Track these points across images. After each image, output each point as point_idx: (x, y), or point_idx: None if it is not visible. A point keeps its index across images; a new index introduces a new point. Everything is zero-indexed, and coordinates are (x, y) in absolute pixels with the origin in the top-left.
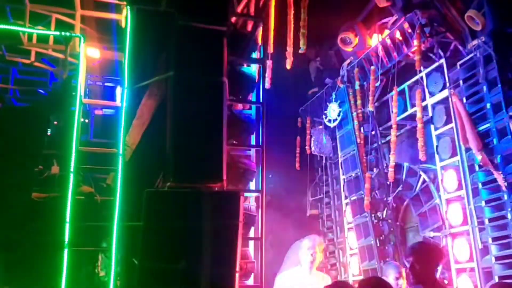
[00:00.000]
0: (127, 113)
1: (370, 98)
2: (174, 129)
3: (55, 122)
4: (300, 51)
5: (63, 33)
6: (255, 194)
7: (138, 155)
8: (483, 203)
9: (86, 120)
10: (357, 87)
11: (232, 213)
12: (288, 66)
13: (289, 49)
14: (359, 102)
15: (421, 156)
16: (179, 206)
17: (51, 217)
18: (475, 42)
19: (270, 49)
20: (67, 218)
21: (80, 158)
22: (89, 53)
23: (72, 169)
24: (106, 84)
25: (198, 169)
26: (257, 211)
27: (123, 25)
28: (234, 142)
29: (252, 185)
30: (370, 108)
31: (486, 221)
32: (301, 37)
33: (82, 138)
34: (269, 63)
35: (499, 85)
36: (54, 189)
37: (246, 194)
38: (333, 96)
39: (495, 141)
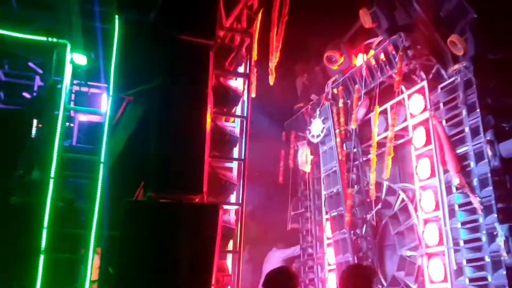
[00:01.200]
0: (111, 121)
1: (353, 116)
2: (157, 139)
3: (40, 125)
4: (270, 65)
5: (50, 39)
6: (235, 207)
7: (120, 164)
8: (459, 225)
9: (72, 125)
10: (341, 104)
11: (210, 225)
12: (271, 82)
13: (271, 64)
14: (342, 119)
15: (385, 174)
16: (157, 216)
17: (29, 222)
18: (456, 66)
19: (253, 59)
20: (45, 224)
21: (62, 164)
22: (75, 59)
23: (52, 175)
24: (92, 90)
25: (179, 181)
26: (237, 224)
27: (111, 33)
28: (216, 154)
29: (233, 197)
30: (353, 126)
31: (462, 243)
32: (274, 51)
33: (65, 143)
34: (254, 71)
35: (478, 110)
36: (34, 194)
37: (226, 207)
38: (318, 112)
39: (472, 164)
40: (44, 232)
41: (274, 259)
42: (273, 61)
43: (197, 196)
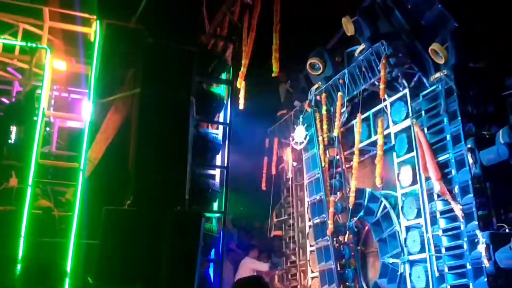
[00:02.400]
0: (91, 127)
1: (336, 123)
2: (138, 147)
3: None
4: (273, 75)
5: (29, 44)
6: (217, 215)
7: (100, 171)
8: (440, 232)
9: (49, 129)
10: (324, 112)
11: (192, 234)
12: (241, 104)
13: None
14: (325, 126)
15: (378, 182)
16: (138, 225)
17: (6, 231)
18: (437, 74)
19: (243, 68)
20: (22, 233)
21: (40, 171)
22: (55, 65)
23: (30, 182)
24: (72, 96)
25: (160, 189)
26: (219, 232)
27: (91, 39)
28: (199, 161)
29: (216, 205)
30: (336, 133)
31: (443, 250)
32: (273, 61)
33: (44, 150)
34: (243, 84)
35: (459, 118)
36: (11, 202)
37: (208, 214)
38: (301, 119)
39: (453, 172)
40: (22, 241)
41: (244, 268)
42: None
43: (179, 204)
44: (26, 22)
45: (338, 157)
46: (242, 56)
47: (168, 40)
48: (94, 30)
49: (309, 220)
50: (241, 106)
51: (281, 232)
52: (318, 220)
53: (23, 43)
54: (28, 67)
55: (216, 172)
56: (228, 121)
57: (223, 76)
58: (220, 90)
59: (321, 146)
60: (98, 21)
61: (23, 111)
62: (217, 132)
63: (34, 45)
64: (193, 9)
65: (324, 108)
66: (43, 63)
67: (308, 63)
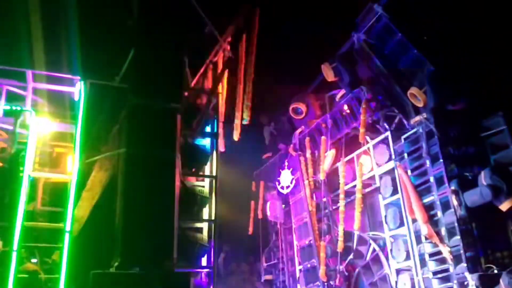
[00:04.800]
0: (77, 186)
1: (321, 167)
2: (124, 207)
3: None
4: (243, 122)
5: (13, 107)
6: (205, 270)
7: (86, 231)
8: (430, 275)
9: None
10: (308, 155)
11: None
12: (236, 138)
13: (237, 121)
14: (310, 170)
15: (356, 226)
16: (126, 287)
17: None
18: (417, 118)
19: (237, 120)
20: None
21: (26, 231)
22: (40, 123)
23: (15, 247)
24: (57, 150)
25: (148, 249)
26: (208, 287)
27: (76, 98)
28: (186, 216)
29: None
30: (322, 176)
31: None
32: (244, 109)
33: (29, 207)
34: (221, 131)
35: (441, 160)
36: None
37: (197, 270)
38: (286, 163)
39: (439, 213)
40: None
41: None
42: (240, 118)
43: (167, 263)
44: (9, 84)
45: (325, 199)
46: (225, 107)
47: (152, 98)
48: (78, 90)
49: (299, 264)
50: (221, 148)
51: (272, 277)
52: (308, 265)
53: (7, 107)
54: (13, 129)
55: (204, 225)
56: (214, 174)
57: (208, 128)
58: (205, 142)
59: (308, 190)
60: (82, 81)
61: (8, 174)
62: (203, 185)
63: (18, 107)
64: (176, 67)
65: (308, 152)
66: (27, 124)
67: (290, 107)
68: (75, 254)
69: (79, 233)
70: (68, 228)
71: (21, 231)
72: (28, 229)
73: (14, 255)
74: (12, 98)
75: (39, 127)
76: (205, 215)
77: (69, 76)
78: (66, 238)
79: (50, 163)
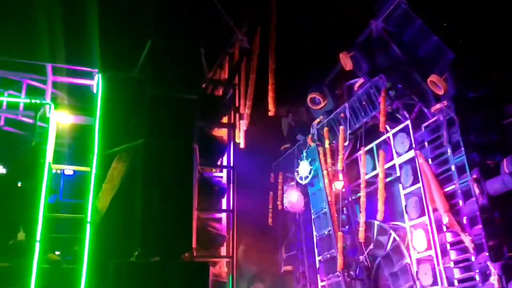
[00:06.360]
0: (97, 178)
1: (340, 157)
2: (143, 197)
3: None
4: (269, 114)
5: (33, 101)
6: (225, 260)
7: (107, 222)
8: (452, 264)
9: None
10: (327, 145)
11: (200, 284)
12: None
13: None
14: (329, 160)
15: (379, 216)
16: (146, 277)
17: (15, 286)
18: (438, 105)
19: (244, 110)
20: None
21: (48, 223)
22: (59, 118)
23: (38, 238)
24: (77, 143)
25: (167, 239)
26: (228, 277)
27: (94, 90)
28: (204, 206)
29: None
30: (340, 167)
31: (456, 282)
32: (269, 101)
33: (51, 199)
34: (242, 123)
35: (462, 148)
36: (20, 257)
37: (216, 260)
38: (304, 154)
39: (460, 202)
40: None
41: None
42: (247, 107)
43: (186, 252)
44: (30, 78)
45: (343, 190)
46: (242, 98)
47: (170, 89)
48: (96, 82)
49: (319, 255)
50: (242, 145)
51: (292, 267)
52: (327, 256)
53: (27, 100)
54: (33, 122)
55: (223, 215)
56: (231, 164)
57: (225, 119)
58: (222, 133)
59: (326, 181)
60: (100, 74)
61: (29, 166)
62: (221, 175)
63: (38, 101)
64: (193, 58)
65: (327, 142)
66: (47, 117)
67: (308, 97)
68: (96, 245)
69: (100, 224)
70: (89, 219)
71: (44, 222)
72: (51, 221)
73: (37, 246)
74: (32, 91)
75: (59, 120)
76: (224, 206)
77: (88, 69)
78: (88, 229)
79: (70, 156)
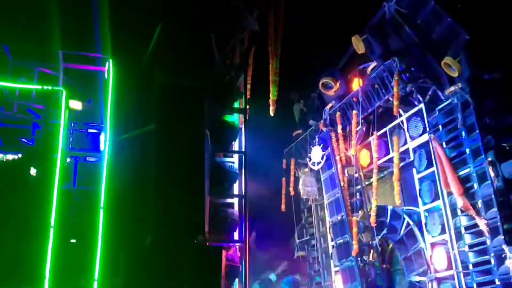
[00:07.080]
0: (109, 163)
1: (353, 142)
2: (156, 184)
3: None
4: (272, 98)
5: (45, 87)
6: (238, 244)
7: (120, 208)
8: (466, 248)
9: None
10: (339, 130)
11: (214, 268)
12: (272, 113)
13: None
14: (342, 145)
15: (397, 201)
16: (159, 261)
17: (29, 271)
18: (452, 88)
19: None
20: (47, 274)
21: (62, 209)
22: (71, 104)
23: (52, 223)
24: (90, 130)
25: (180, 224)
26: (241, 261)
27: (106, 76)
28: (216, 191)
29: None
30: (352, 152)
31: (470, 266)
32: (271, 85)
33: (65, 186)
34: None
35: (477, 131)
36: (33, 242)
37: (229, 244)
38: (316, 139)
39: (475, 186)
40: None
41: None
42: (272, 93)
43: (199, 237)
44: (41, 65)
45: (356, 175)
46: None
47: (180, 75)
48: (107, 69)
49: (332, 240)
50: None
51: (305, 253)
52: (340, 241)
53: (39, 87)
54: (45, 108)
55: (235, 200)
56: (243, 149)
57: (236, 104)
58: (234, 118)
59: (339, 166)
60: (110, 60)
61: (42, 152)
62: (233, 161)
63: (49, 87)
64: (203, 45)
65: (339, 127)
66: (59, 103)
67: (320, 82)
68: (109, 231)
69: (113, 211)
70: (102, 205)
71: (57, 209)
72: (64, 207)
73: (51, 232)
74: (43, 78)
75: (71, 107)
76: (236, 191)
77: (99, 55)
78: (101, 215)
79: (83, 143)
